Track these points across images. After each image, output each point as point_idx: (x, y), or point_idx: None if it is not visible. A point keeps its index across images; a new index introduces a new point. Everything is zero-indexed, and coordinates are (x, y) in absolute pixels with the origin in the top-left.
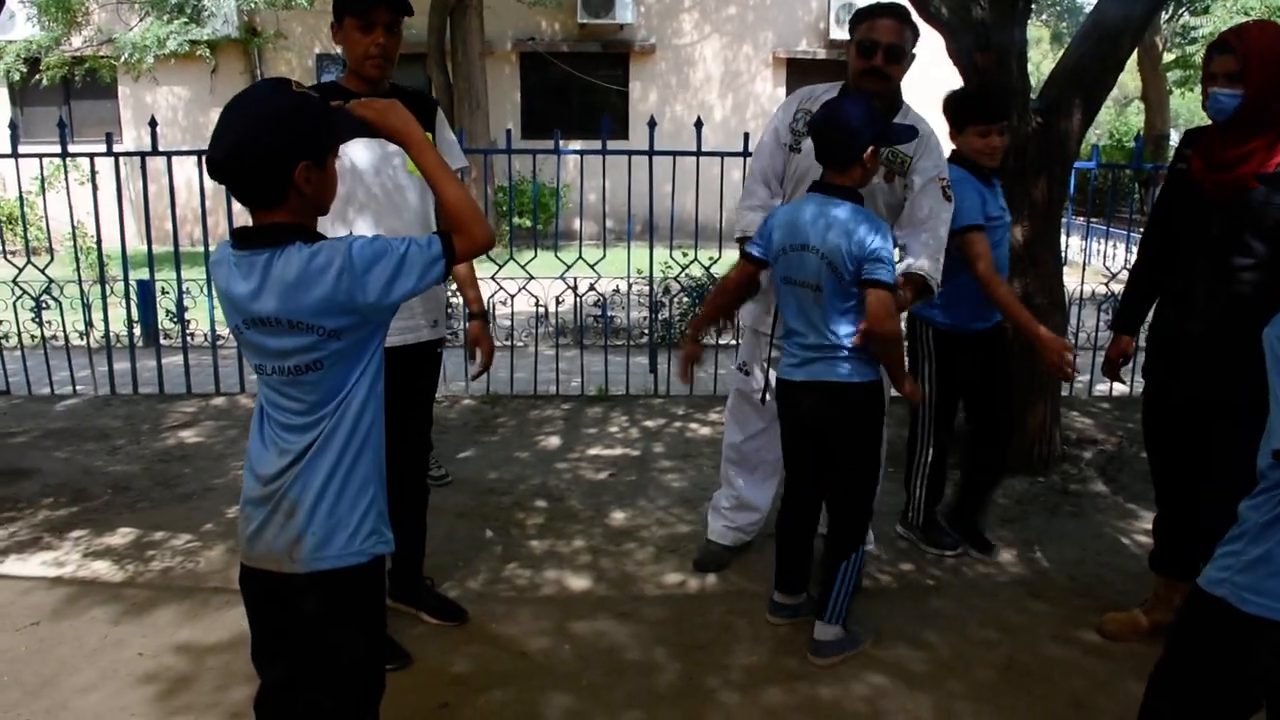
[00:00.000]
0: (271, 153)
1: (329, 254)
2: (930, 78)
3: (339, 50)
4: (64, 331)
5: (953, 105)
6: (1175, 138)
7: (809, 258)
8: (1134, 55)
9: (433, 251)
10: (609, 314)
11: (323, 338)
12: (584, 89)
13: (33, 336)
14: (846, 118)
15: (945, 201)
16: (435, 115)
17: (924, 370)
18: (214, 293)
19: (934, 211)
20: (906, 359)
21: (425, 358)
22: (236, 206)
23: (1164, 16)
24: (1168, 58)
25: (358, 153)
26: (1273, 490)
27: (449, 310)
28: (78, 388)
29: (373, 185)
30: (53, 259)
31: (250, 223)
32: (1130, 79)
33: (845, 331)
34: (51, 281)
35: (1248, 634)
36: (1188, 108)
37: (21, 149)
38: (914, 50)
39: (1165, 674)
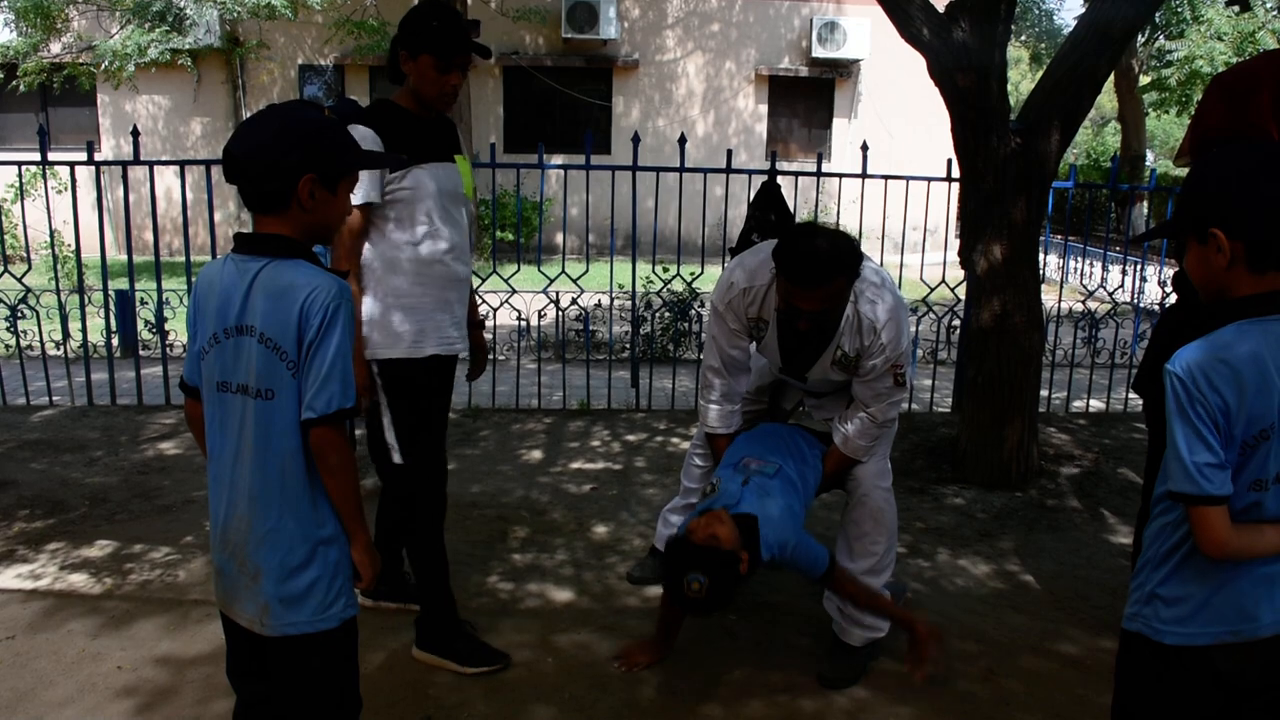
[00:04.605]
0: (281, 157)
1: (325, 294)
2: (928, 84)
3: (325, 62)
4: (40, 341)
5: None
6: (1150, 158)
7: None
8: (1111, 77)
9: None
10: (591, 328)
11: (283, 361)
12: (567, 104)
13: (7, 346)
14: None
15: (897, 388)
16: (458, 137)
17: None
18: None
19: (881, 395)
20: None
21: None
22: (218, 217)
23: (1140, 40)
24: (1144, 80)
25: (432, 174)
26: (1174, 521)
27: None
28: (54, 399)
29: (445, 202)
30: (30, 268)
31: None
32: (1107, 100)
33: None
34: (28, 290)
35: (1174, 666)
36: (1163, 129)
37: None
38: (852, 286)
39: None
